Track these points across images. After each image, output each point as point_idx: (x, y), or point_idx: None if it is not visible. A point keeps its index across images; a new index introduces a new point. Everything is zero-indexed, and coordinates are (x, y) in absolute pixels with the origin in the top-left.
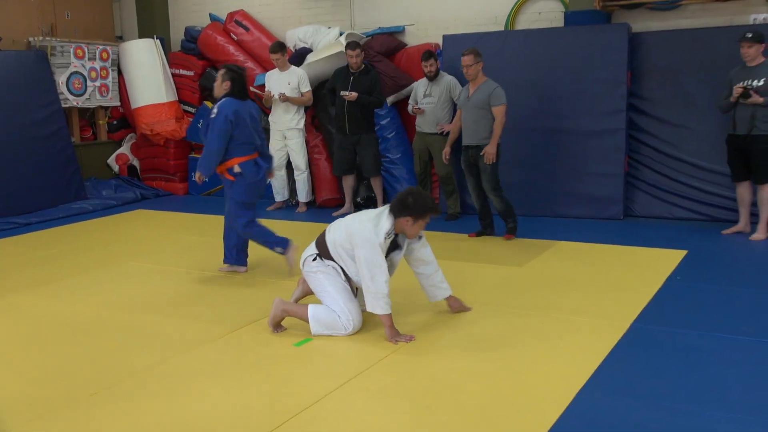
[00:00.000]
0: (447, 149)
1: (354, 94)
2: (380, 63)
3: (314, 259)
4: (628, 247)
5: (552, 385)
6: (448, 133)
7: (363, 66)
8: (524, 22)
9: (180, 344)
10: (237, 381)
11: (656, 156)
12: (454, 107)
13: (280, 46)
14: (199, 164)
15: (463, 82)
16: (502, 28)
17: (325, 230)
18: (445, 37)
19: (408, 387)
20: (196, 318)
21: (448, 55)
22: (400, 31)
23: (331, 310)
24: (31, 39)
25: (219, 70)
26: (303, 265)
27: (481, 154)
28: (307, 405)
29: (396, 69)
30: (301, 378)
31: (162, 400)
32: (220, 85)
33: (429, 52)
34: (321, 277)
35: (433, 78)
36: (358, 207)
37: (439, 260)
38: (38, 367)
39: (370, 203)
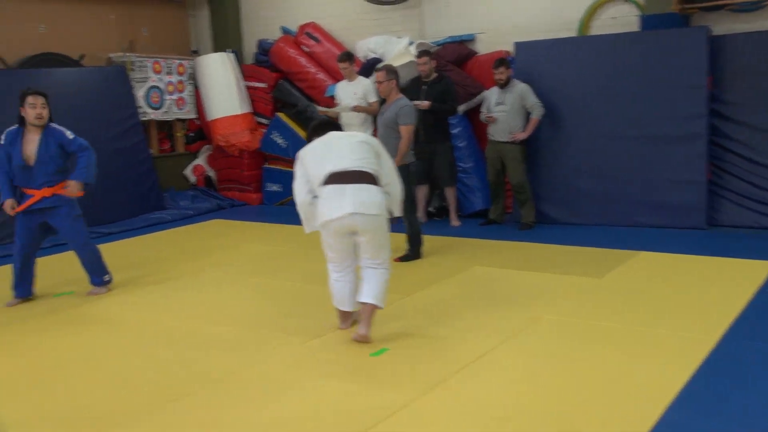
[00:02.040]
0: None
1: (426, 103)
2: (451, 72)
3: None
4: (713, 258)
5: (637, 402)
6: (521, 142)
7: (435, 74)
8: (598, 28)
9: (257, 353)
10: (314, 390)
11: (742, 163)
12: (528, 115)
13: (347, 56)
14: None
15: (538, 88)
16: (574, 34)
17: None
18: (517, 44)
19: (486, 399)
20: (273, 326)
21: (521, 62)
22: (470, 39)
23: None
24: (111, 55)
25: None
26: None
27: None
28: (384, 417)
29: (467, 77)
30: (378, 387)
31: (241, 408)
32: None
33: (500, 60)
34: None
35: (504, 85)
36: (430, 216)
37: (513, 271)
38: (119, 374)
39: (443, 213)
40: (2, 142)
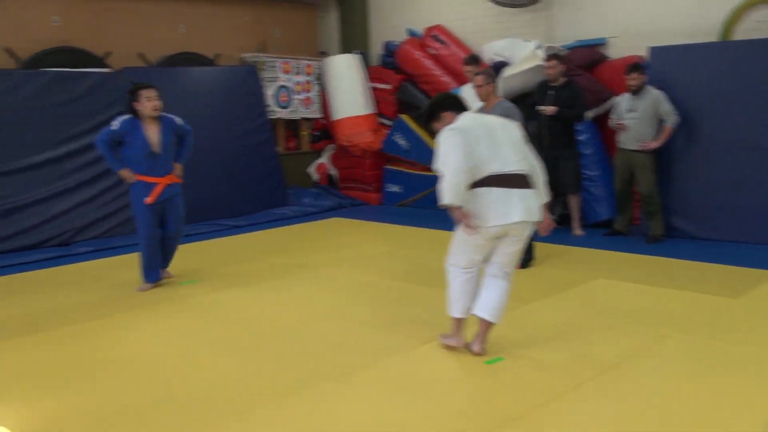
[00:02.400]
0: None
1: (552, 108)
2: (580, 77)
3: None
4: None
5: None
6: (652, 151)
7: (563, 79)
8: (743, 32)
9: (371, 353)
10: (425, 394)
11: None
12: (660, 123)
13: (474, 59)
14: None
15: (672, 95)
16: (714, 38)
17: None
18: (652, 48)
19: (603, 417)
20: (387, 328)
21: (656, 68)
22: (602, 43)
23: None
24: (244, 55)
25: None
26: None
27: None
28: (497, 426)
29: (596, 83)
30: (492, 397)
31: (351, 408)
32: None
33: (634, 65)
34: None
35: (637, 92)
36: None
37: (638, 285)
38: (238, 364)
39: (565, 221)
40: (114, 128)
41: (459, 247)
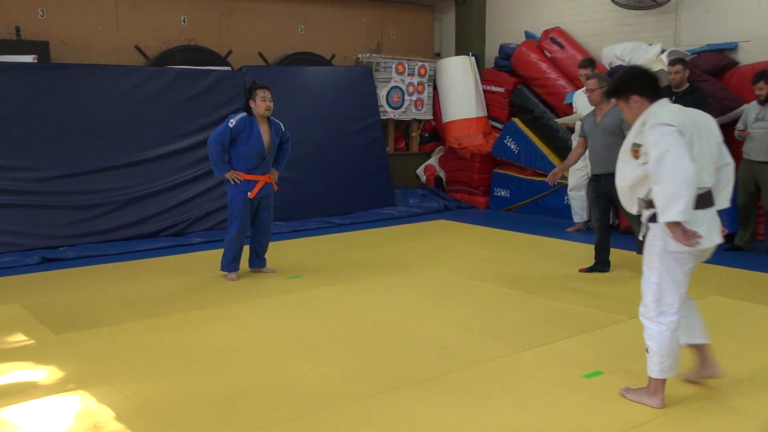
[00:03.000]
0: (558, 171)
1: None
2: (706, 83)
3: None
4: None
5: None
6: None
7: (687, 84)
8: None
9: (463, 358)
10: (518, 404)
11: None
12: None
13: (589, 62)
14: None
15: None
16: None
17: None
18: None
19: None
20: (482, 333)
21: None
22: (732, 48)
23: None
24: (359, 55)
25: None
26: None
27: None
28: None
29: (723, 89)
30: (589, 412)
31: (441, 411)
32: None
33: (761, 73)
34: None
35: (765, 101)
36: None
37: (758, 305)
38: (331, 361)
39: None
40: (231, 125)
41: (665, 283)
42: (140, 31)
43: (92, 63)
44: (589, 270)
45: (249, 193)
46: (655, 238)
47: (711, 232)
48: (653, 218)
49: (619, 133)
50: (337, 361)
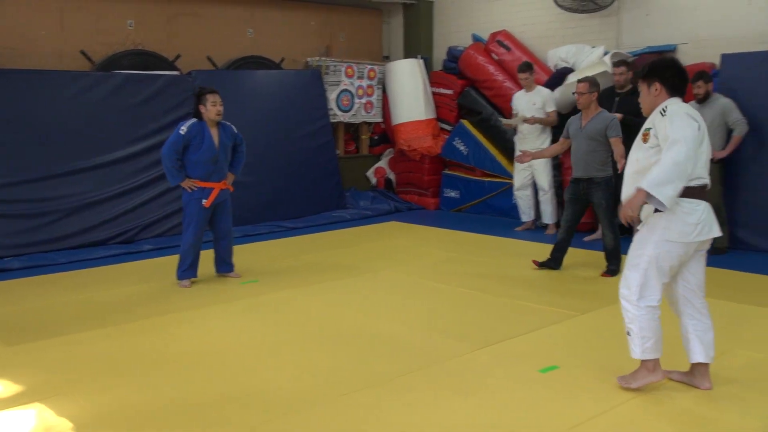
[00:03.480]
0: (530, 155)
1: (618, 116)
2: None
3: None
4: None
5: None
6: (719, 161)
7: (630, 86)
8: None
9: (424, 357)
10: (479, 401)
11: None
12: (729, 133)
13: (528, 66)
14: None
15: (743, 104)
16: None
17: None
18: (724, 56)
19: (658, 427)
20: (442, 332)
21: (726, 75)
22: (671, 50)
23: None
24: (308, 59)
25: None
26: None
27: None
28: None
29: None
30: (546, 405)
31: (404, 412)
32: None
33: (699, 73)
34: None
35: (703, 101)
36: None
37: (716, 300)
38: (297, 363)
39: (625, 230)
40: (183, 132)
41: (652, 271)
42: (86, 35)
43: (37, 68)
44: (542, 265)
45: (205, 201)
46: (657, 226)
47: (711, 223)
48: (657, 209)
49: (602, 139)
50: (302, 363)
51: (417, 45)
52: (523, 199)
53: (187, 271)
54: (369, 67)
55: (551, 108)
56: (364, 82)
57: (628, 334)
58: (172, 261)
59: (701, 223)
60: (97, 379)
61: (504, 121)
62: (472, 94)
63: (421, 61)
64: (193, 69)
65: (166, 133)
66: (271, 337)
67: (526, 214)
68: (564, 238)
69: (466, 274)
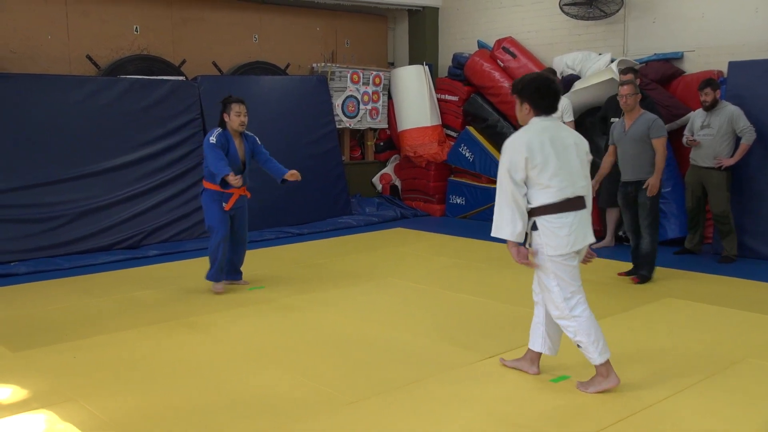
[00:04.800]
0: (595, 184)
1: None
2: (654, 91)
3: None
4: None
5: None
6: (726, 169)
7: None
8: None
9: (432, 366)
10: (487, 410)
11: None
12: (737, 140)
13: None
14: None
15: (751, 111)
16: None
17: None
18: (731, 64)
19: None
20: (449, 340)
21: (734, 83)
22: (678, 57)
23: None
24: (314, 65)
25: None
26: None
27: (644, 186)
28: None
29: (671, 98)
30: (556, 417)
31: (411, 421)
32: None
33: (707, 81)
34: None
35: (710, 108)
36: (619, 240)
37: (710, 306)
38: (303, 370)
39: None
40: (213, 142)
41: (564, 282)
42: (91, 40)
43: (42, 73)
44: (628, 274)
45: (225, 205)
46: (540, 246)
47: (584, 232)
48: (534, 226)
49: (647, 140)
50: (308, 370)
51: (422, 51)
52: None
53: (218, 274)
54: (374, 73)
55: (569, 118)
56: (370, 89)
57: (579, 346)
58: (178, 267)
59: (572, 234)
60: (103, 385)
61: None
62: (478, 100)
63: (427, 67)
64: (198, 74)
65: (171, 138)
66: (278, 343)
67: None
68: (636, 244)
69: (472, 281)
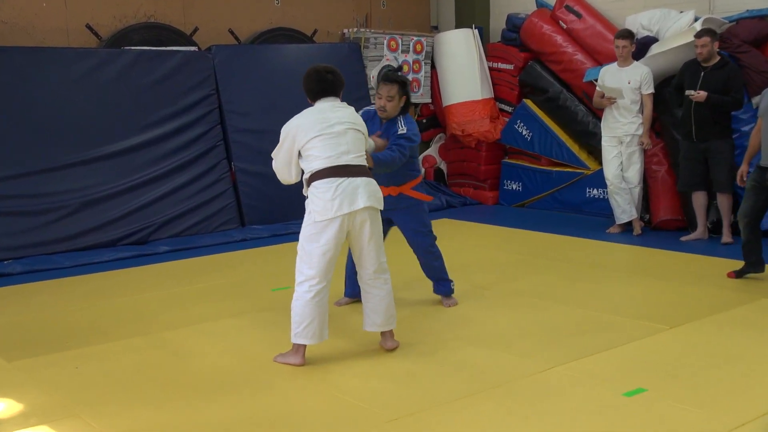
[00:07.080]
0: (744, 168)
1: (703, 94)
2: (746, 54)
3: None
4: None
5: None
6: None
7: (718, 58)
8: None
9: (488, 377)
10: (552, 429)
11: None
12: None
13: (629, 33)
14: None
15: None
16: None
17: None
18: None
19: None
20: (507, 347)
21: None
22: None
23: None
24: (345, 31)
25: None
26: None
27: None
28: None
29: (767, 62)
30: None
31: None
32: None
33: None
34: None
35: None
36: (708, 231)
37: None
38: (334, 382)
39: (716, 229)
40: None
41: (303, 253)
42: (92, 7)
43: (37, 45)
44: (739, 274)
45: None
46: (307, 212)
47: (355, 199)
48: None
49: None
50: (341, 383)
51: (471, 13)
52: (620, 194)
53: (346, 287)
54: (415, 39)
55: (649, 89)
56: (410, 57)
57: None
58: (190, 264)
59: (338, 197)
60: (110, 399)
61: (603, 87)
62: (537, 69)
63: (476, 31)
64: (212, 44)
65: (183, 117)
66: (311, 351)
67: (626, 213)
68: (750, 238)
69: (533, 281)
